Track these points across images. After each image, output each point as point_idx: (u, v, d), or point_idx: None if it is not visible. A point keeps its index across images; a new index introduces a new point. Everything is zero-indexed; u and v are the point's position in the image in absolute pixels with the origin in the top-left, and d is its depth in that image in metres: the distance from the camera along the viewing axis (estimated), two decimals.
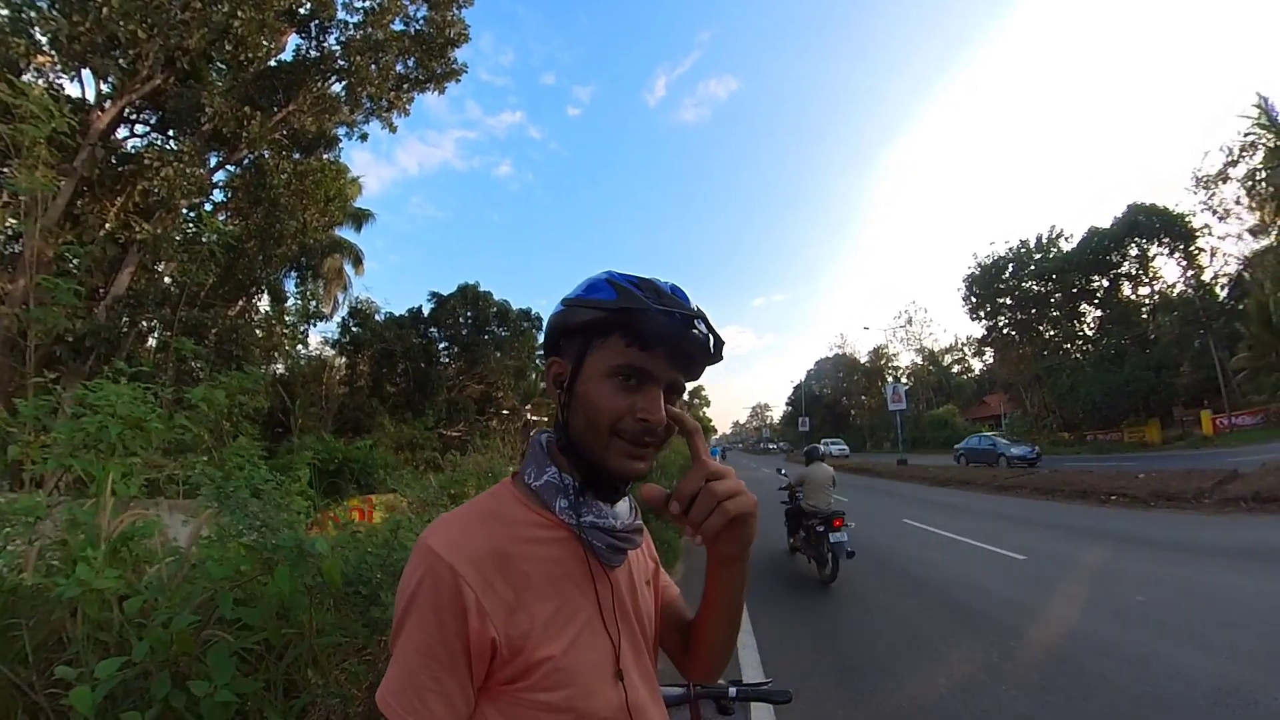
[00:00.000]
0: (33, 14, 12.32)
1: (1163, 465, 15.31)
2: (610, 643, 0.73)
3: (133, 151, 15.49)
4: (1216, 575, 5.85)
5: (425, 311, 25.65)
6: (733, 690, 1.12)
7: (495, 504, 0.75)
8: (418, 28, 16.41)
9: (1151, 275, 32.42)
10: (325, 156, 18.49)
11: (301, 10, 15.44)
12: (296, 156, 17.07)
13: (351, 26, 15.96)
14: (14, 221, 6.06)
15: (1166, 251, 31.25)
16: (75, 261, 9.88)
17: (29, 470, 2.46)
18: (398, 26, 16.15)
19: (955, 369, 60.31)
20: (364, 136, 18.22)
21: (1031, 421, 37.54)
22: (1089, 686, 3.55)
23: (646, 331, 0.70)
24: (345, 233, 25.67)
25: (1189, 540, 7.60)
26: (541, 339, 0.82)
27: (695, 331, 0.72)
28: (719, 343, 0.76)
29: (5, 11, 12.10)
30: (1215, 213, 28.63)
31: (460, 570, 0.64)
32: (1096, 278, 33.99)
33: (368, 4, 15.74)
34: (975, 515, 11.32)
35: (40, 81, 12.56)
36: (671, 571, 7.22)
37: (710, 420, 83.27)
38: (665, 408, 0.72)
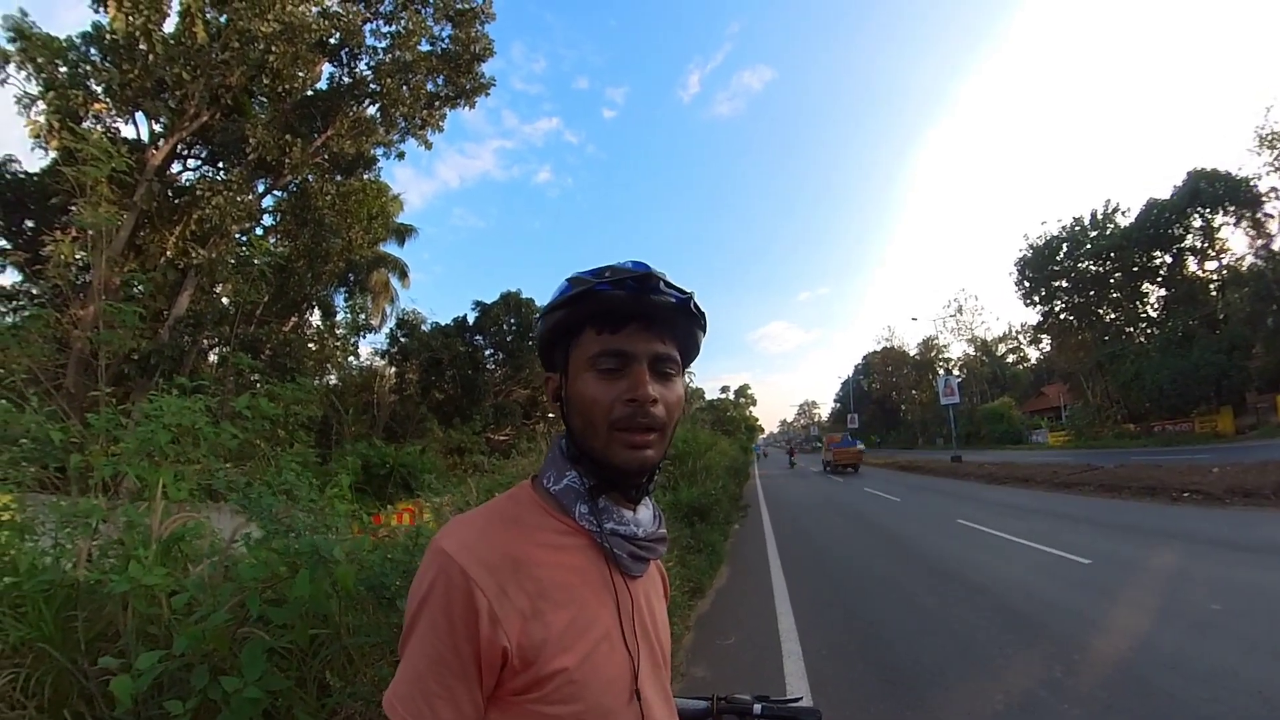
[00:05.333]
0: (88, 67, 13.31)
1: (1238, 457, 14.31)
2: (629, 658, 0.69)
3: (186, 184, 16.56)
4: None
5: (470, 320, 26.37)
6: (758, 707, 1.03)
7: (513, 507, 0.72)
8: (444, 47, 17.00)
9: (1218, 248, 30.22)
10: (366, 176, 19.26)
11: (332, 40, 16.18)
12: (338, 178, 17.88)
13: (380, 51, 16.75)
14: (83, 254, 6.54)
15: (1232, 220, 29.06)
16: (139, 287, 10.56)
17: (94, 476, 2.65)
18: (424, 47, 16.79)
19: (1010, 359, 58.07)
20: (401, 155, 18.89)
21: (1094, 413, 35.53)
22: (1157, 705, 3.31)
23: (608, 311, 0.69)
24: (389, 248, 26.69)
25: (1269, 541, 7.06)
26: None
27: (658, 296, 0.70)
28: (686, 296, 0.73)
29: (64, 68, 13.11)
30: None
31: (473, 574, 0.62)
32: (1158, 254, 32.01)
33: (394, 28, 16.36)
34: (1035, 515, 10.79)
35: (98, 126, 13.66)
36: (715, 576, 7.14)
37: (757, 420, 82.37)
38: (655, 386, 0.70)
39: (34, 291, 14.08)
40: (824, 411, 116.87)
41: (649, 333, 0.71)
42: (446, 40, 16.96)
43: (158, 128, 15.05)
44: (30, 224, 15.63)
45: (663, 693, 0.76)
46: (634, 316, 0.70)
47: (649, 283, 0.69)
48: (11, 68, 14.03)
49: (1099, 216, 35.20)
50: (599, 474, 0.71)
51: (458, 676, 0.61)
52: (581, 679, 0.64)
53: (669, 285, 0.71)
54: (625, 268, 0.70)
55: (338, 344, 20.10)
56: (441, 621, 0.62)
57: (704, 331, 0.78)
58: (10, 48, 13.82)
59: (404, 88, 16.41)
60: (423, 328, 25.27)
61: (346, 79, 17.10)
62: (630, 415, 0.68)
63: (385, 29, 16.53)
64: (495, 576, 0.63)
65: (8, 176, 15.74)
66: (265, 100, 16.09)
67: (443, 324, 25.92)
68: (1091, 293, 35.02)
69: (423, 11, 16.31)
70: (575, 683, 0.63)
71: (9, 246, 15.75)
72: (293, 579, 2.02)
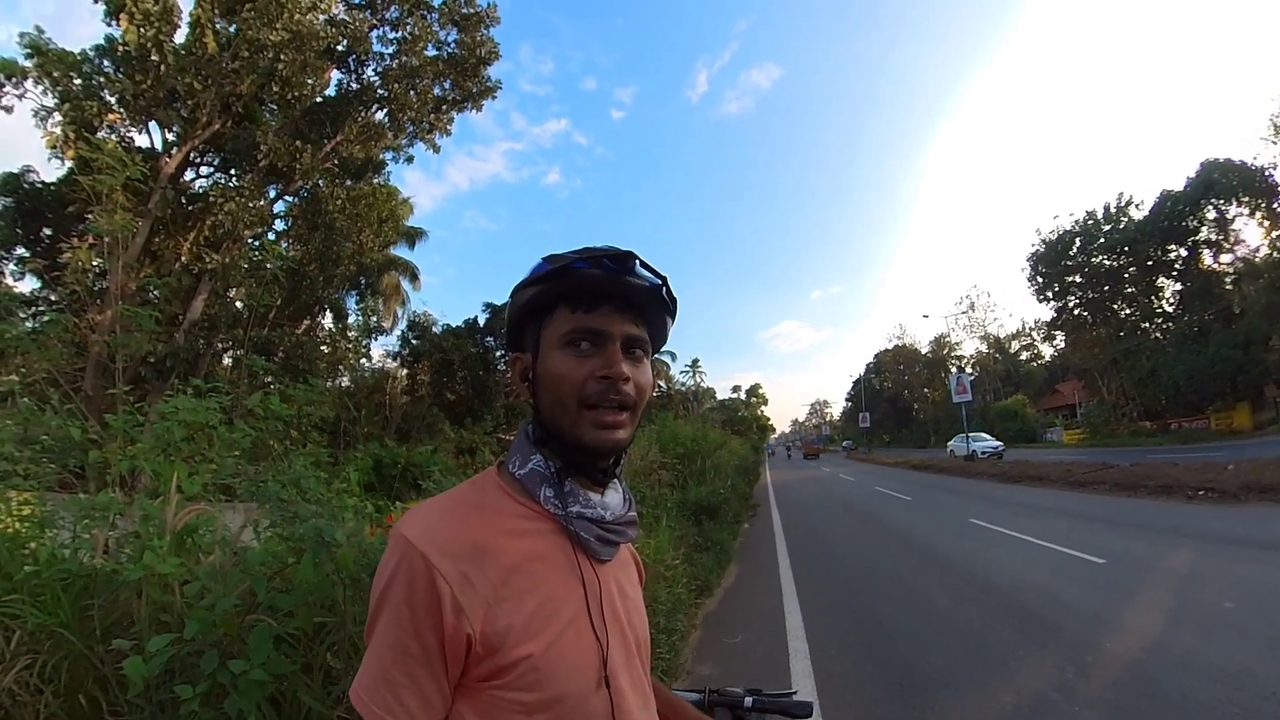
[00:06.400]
0: (101, 79, 13.61)
1: (1255, 453, 13.99)
2: (597, 644, 0.68)
3: (199, 191, 16.88)
4: None
5: (481, 321, 26.51)
6: (749, 700, 1.03)
7: (477, 493, 0.72)
8: (450, 51, 17.16)
9: (1233, 240, 29.68)
10: (375, 181, 19.46)
11: (339, 47, 16.43)
12: (348, 183, 18.09)
13: (387, 57, 16.98)
14: (99, 260, 6.69)
15: (1247, 211, 28.54)
16: (155, 292, 10.72)
17: (111, 473, 2.72)
18: (430, 52, 16.96)
19: (1024, 356, 57.44)
20: (410, 159, 19.09)
21: (1109, 410, 35.05)
22: (1171, 707, 3.27)
23: (585, 289, 0.70)
24: (400, 251, 26.96)
25: None
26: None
27: (634, 278, 0.70)
28: (660, 278, 0.73)
29: (79, 81, 13.40)
30: None
31: (435, 561, 0.61)
32: (1173, 247, 31.50)
33: (400, 34, 16.50)
34: (1049, 514, 10.66)
35: (113, 136, 13.94)
36: (723, 575, 7.13)
37: (769, 419, 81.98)
38: (627, 366, 0.70)
39: (52, 297, 14.36)
40: (836, 411, 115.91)
41: (623, 314, 0.71)
42: (452, 45, 17.16)
43: (171, 136, 15.36)
44: (48, 232, 15.97)
45: (637, 680, 0.75)
46: (609, 296, 0.70)
47: (626, 263, 0.70)
48: (29, 82, 14.37)
49: (1112, 210, 34.69)
50: (566, 455, 0.71)
51: (422, 665, 0.61)
52: (546, 666, 0.63)
53: (645, 266, 0.72)
54: (600, 249, 0.70)
55: (350, 346, 20.40)
56: (404, 610, 0.61)
57: (673, 319, 0.79)
58: (28, 64, 14.15)
59: (411, 92, 16.62)
60: (434, 329, 25.51)
61: (354, 85, 17.35)
62: (603, 391, 0.68)
63: (391, 35, 16.79)
64: (458, 564, 0.62)
65: (26, 186, 16.07)
66: (275, 107, 16.35)
67: (454, 326, 26.16)
68: (1106, 287, 34.56)
69: (428, 17, 16.49)
70: (539, 669, 0.63)
71: (28, 254, 16.09)
72: (299, 565, 2.06)
